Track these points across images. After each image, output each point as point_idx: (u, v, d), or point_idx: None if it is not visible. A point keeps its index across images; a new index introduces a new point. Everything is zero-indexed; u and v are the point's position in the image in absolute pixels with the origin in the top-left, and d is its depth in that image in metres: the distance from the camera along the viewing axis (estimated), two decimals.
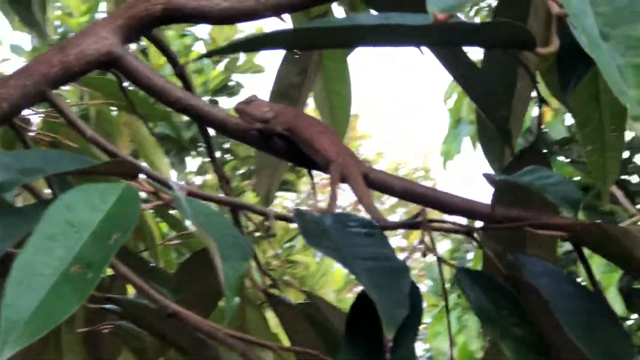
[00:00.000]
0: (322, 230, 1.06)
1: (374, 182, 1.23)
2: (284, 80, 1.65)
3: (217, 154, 7.96)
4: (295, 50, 1.63)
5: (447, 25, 0.88)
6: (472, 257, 7.36)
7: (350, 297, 8.24)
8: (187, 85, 1.43)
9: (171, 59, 1.45)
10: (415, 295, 0.98)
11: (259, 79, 7.76)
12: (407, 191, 1.23)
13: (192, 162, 7.57)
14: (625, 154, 5.73)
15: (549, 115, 5.60)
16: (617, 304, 5.01)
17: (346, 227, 1.06)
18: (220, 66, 7.55)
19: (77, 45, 1.23)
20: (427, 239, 1.05)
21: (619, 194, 5.58)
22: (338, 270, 8.17)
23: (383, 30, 0.91)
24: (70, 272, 0.98)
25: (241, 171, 7.68)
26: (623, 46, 0.79)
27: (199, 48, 7.61)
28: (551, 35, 0.94)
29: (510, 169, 1.42)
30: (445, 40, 1.00)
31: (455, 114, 5.76)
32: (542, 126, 5.65)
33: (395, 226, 1.12)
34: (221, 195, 1.28)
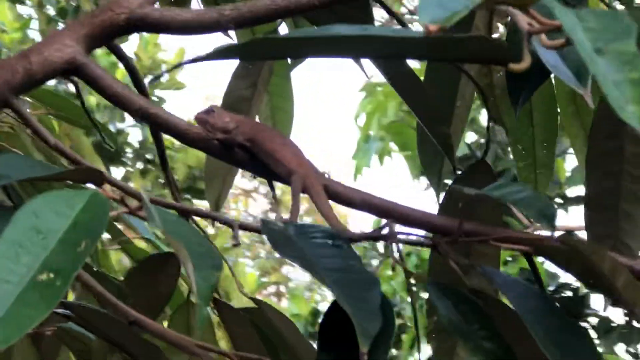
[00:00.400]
0: (290, 241, 0.97)
1: (334, 194, 1.16)
2: (234, 93, 1.57)
3: (140, 165, 7.88)
4: (246, 64, 1.54)
5: (419, 39, 0.82)
6: (376, 264, 7.28)
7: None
8: (145, 95, 1.33)
9: (130, 69, 1.35)
10: (386, 307, 0.89)
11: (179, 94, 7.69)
12: (366, 203, 1.15)
13: (117, 171, 7.47)
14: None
15: None
16: None
17: (312, 238, 0.98)
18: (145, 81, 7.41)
19: (40, 53, 1.15)
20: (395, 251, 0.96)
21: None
22: (251, 274, 8.13)
23: (328, 42, 0.83)
24: (38, 280, 0.88)
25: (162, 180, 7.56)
26: (618, 61, 0.72)
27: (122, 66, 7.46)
28: (524, 51, 0.86)
29: (460, 182, 1.36)
30: (415, 54, 0.92)
31: (365, 131, 5.73)
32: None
33: (361, 237, 1.03)
34: (180, 203, 1.18)
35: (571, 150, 5.50)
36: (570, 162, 5.88)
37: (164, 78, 7.59)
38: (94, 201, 0.99)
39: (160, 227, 0.95)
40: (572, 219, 6.41)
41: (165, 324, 1.67)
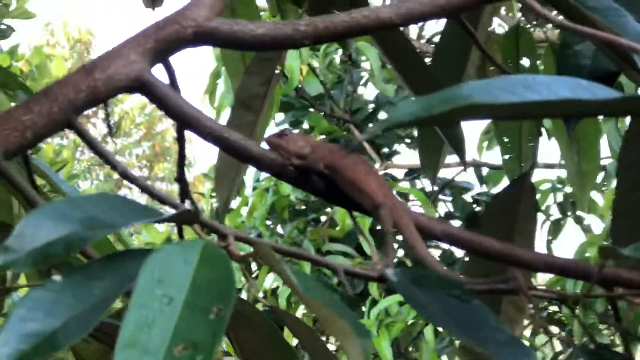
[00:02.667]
0: (419, 299, 0.85)
1: (417, 227, 1.03)
2: (248, 91, 1.42)
3: None
4: (262, 59, 1.40)
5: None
6: None
7: None
8: None
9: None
10: None
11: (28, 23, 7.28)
12: (447, 234, 1.04)
13: None
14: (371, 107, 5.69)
15: (304, 71, 5.44)
16: (366, 246, 4.95)
17: (440, 294, 0.86)
18: None
19: (104, 69, 1.00)
20: (531, 308, 0.85)
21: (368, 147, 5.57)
22: None
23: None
24: (175, 354, 0.73)
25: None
26: None
27: None
28: None
29: (504, 194, 1.27)
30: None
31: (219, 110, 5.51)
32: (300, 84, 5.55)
33: (485, 291, 0.92)
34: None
35: None
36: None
37: (13, 6, 7.17)
38: (209, 254, 0.85)
39: (297, 287, 0.82)
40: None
41: None
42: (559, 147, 1.64)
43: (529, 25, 2.25)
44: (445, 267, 1.01)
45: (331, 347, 5.23)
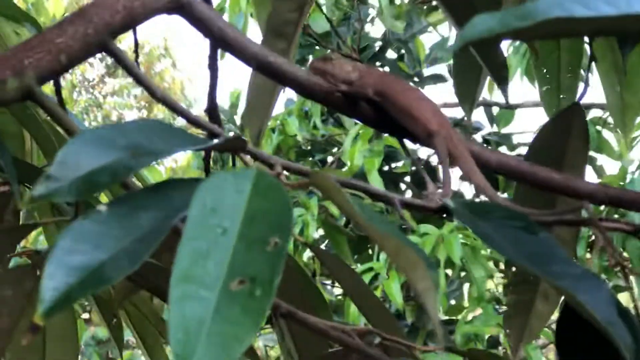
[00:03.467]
0: (485, 230, 0.81)
1: (472, 156, 0.98)
2: (280, 17, 1.36)
3: None
4: None
5: None
6: None
7: None
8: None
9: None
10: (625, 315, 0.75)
11: None
12: (503, 165, 1.00)
13: None
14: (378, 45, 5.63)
15: (310, 8, 5.34)
16: (377, 186, 4.91)
17: (505, 226, 0.82)
18: None
19: None
20: (601, 241, 0.81)
21: None
22: None
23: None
24: (232, 289, 0.69)
25: None
26: None
27: None
28: None
29: (553, 124, 1.23)
30: None
31: None
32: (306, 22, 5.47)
33: (555, 222, 0.88)
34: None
35: (431, 28, 5.42)
36: (429, 40, 5.80)
37: None
38: (263, 183, 0.81)
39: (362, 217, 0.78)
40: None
41: None
42: (599, 78, 1.58)
43: None
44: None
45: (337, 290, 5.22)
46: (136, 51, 1.20)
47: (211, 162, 1.42)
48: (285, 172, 0.89)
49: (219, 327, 0.69)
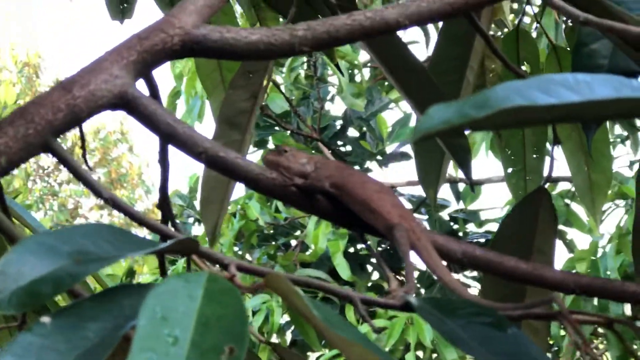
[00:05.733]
0: (452, 330, 0.79)
1: (435, 247, 0.97)
2: (234, 106, 1.35)
3: None
4: (246, 73, 1.34)
5: None
6: None
7: None
8: None
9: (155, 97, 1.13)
10: None
11: None
12: (468, 255, 0.98)
13: None
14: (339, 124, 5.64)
15: (268, 88, 5.34)
16: (343, 270, 4.89)
17: (472, 323, 0.80)
18: None
19: (85, 85, 0.94)
20: (572, 334, 0.80)
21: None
22: None
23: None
24: None
25: None
26: None
27: None
28: None
29: (519, 210, 1.22)
30: None
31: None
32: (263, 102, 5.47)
33: (520, 317, 0.86)
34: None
35: (392, 105, 5.44)
36: (391, 117, 5.83)
37: None
38: (216, 288, 0.79)
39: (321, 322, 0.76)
40: (390, 174, 6.37)
41: None
42: (565, 158, 1.58)
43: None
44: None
45: None
46: (83, 147, 1.18)
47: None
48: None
49: None
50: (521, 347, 0.82)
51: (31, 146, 0.92)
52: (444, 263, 0.99)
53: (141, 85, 1.06)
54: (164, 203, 1.24)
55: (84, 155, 1.20)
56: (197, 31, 0.99)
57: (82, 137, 1.14)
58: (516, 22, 1.63)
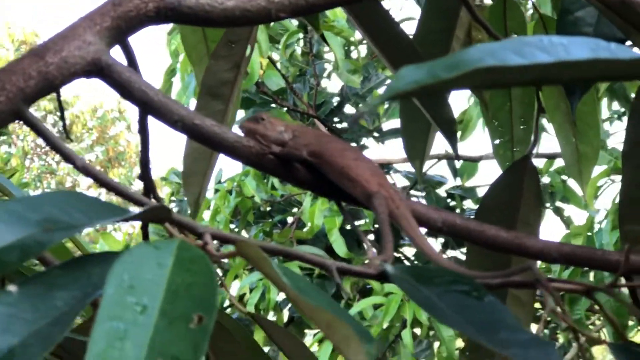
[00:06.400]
0: (427, 298, 0.78)
1: (415, 216, 0.95)
2: (215, 76, 1.33)
3: None
4: (228, 43, 1.32)
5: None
6: None
7: None
8: None
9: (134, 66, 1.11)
10: None
11: None
12: (448, 224, 0.97)
13: None
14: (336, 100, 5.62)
15: (264, 65, 5.34)
16: (339, 246, 4.88)
17: (449, 291, 0.79)
18: None
19: (57, 52, 0.92)
20: (550, 302, 0.78)
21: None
22: None
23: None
24: None
25: None
26: None
27: None
28: None
29: (503, 179, 1.21)
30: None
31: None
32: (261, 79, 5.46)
33: (498, 285, 0.85)
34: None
35: (389, 81, 5.45)
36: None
37: None
38: (186, 256, 0.78)
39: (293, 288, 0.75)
40: (388, 150, 6.37)
41: None
42: (554, 128, 1.57)
43: None
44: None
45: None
46: (62, 116, 1.17)
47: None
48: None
49: None
50: (497, 315, 0.81)
51: (2, 114, 0.90)
52: (424, 231, 0.98)
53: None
54: (145, 174, 1.22)
55: (63, 125, 1.19)
56: None
57: (60, 105, 1.12)
58: None
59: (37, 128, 0.93)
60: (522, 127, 1.56)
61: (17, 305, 0.74)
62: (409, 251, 5.32)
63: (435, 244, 5.14)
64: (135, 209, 1.02)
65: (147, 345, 0.68)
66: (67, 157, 0.92)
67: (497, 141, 1.58)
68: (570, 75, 0.73)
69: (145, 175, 1.23)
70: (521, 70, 0.67)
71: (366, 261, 0.92)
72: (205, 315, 0.71)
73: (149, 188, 1.22)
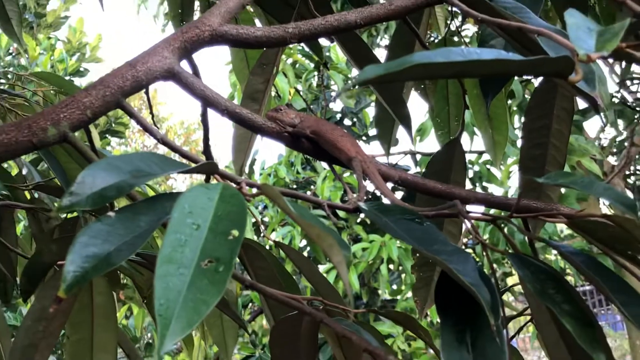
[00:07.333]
0: (386, 222, 0.76)
1: (380, 173, 0.93)
2: (252, 87, 1.32)
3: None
4: (262, 64, 1.30)
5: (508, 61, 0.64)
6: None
7: None
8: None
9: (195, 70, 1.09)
10: (485, 279, 0.70)
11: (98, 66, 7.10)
12: (402, 179, 0.94)
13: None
14: (339, 116, 5.58)
15: (292, 93, 5.32)
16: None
17: (401, 219, 0.77)
18: (74, 57, 6.89)
19: (145, 63, 0.90)
20: (469, 226, 0.76)
21: None
22: None
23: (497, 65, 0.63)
24: (202, 267, 0.64)
25: None
26: None
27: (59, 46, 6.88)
28: (576, 67, 0.67)
29: (440, 153, 1.18)
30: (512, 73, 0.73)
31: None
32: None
33: (433, 215, 0.83)
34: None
35: (373, 103, 5.37)
36: (372, 111, 5.78)
37: (87, 54, 7.03)
38: (227, 193, 0.76)
39: (294, 213, 0.73)
40: (373, 149, 6.30)
41: None
42: (477, 124, 1.54)
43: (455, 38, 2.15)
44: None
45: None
46: (151, 110, 1.15)
47: None
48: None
49: (192, 295, 0.64)
50: (432, 234, 0.79)
51: (108, 103, 0.89)
52: (388, 184, 0.96)
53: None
54: (206, 147, 1.20)
55: (151, 114, 1.17)
56: (221, 28, 0.95)
57: (149, 100, 1.10)
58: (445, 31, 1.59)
59: (131, 113, 0.91)
60: (455, 122, 1.54)
61: (114, 225, 0.72)
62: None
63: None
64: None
65: (199, 250, 0.67)
66: (149, 131, 0.91)
67: (439, 132, 1.55)
68: (480, 71, 0.71)
69: (206, 148, 1.21)
70: (443, 66, 0.65)
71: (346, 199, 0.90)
72: (238, 232, 0.70)
73: (207, 155, 1.20)
